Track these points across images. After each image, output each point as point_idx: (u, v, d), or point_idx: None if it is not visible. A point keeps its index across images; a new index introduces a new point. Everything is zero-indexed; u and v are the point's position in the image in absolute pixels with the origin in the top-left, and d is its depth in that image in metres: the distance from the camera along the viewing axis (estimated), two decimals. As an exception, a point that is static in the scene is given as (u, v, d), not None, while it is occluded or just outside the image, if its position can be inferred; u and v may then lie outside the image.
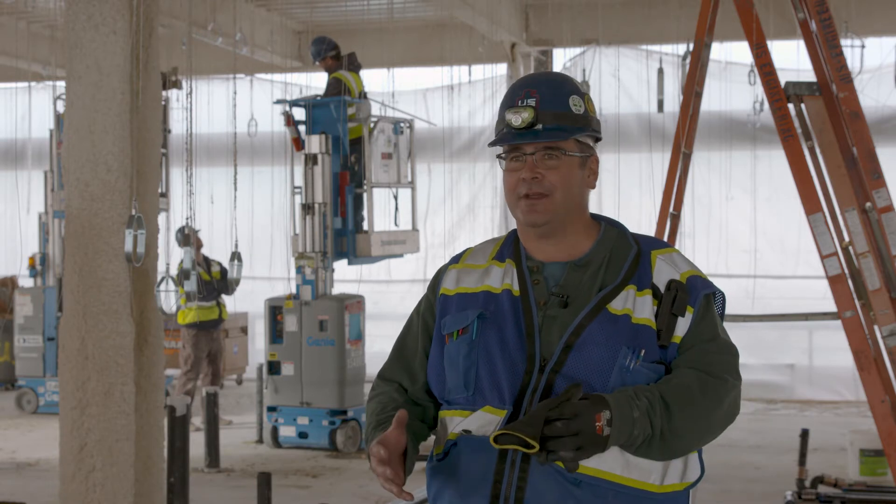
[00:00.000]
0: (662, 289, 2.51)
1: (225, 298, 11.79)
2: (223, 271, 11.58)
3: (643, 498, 2.44)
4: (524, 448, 2.31)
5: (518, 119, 2.54)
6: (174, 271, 8.27)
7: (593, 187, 2.63)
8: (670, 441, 2.42)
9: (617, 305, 2.49)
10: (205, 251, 11.87)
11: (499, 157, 2.62)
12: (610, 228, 2.63)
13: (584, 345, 2.46)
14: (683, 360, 2.50)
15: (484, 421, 2.48)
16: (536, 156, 2.54)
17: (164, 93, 10.11)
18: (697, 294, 2.52)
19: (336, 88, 10.52)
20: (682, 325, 2.50)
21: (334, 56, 10.85)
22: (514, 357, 2.49)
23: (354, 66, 10.84)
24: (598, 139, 2.64)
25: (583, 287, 2.53)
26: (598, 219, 2.65)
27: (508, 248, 2.64)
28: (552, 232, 2.57)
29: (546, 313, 2.51)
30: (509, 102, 2.58)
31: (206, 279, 11.37)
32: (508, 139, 2.55)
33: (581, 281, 2.54)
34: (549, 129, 2.54)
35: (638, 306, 2.49)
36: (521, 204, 2.55)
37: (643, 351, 2.46)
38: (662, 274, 2.53)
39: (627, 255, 2.57)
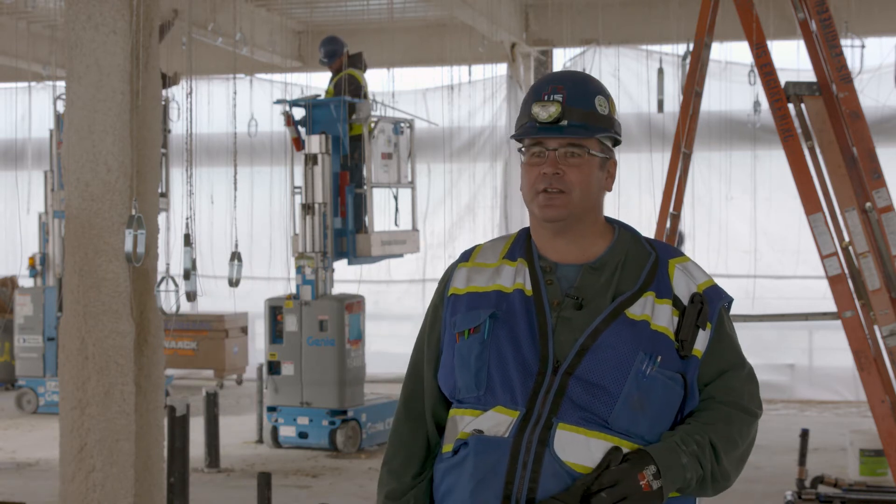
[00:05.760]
0: (684, 301, 2.51)
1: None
2: None
3: None
4: None
5: (545, 113, 2.51)
6: (174, 271, 8.26)
7: (610, 190, 2.62)
8: (720, 481, 2.52)
9: (636, 311, 2.49)
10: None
11: (519, 150, 2.60)
12: (624, 232, 2.62)
13: (601, 348, 2.46)
14: (717, 392, 2.53)
15: (496, 421, 2.47)
16: (559, 152, 2.52)
17: (163, 92, 10.11)
18: (715, 307, 2.54)
19: (353, 84, 10.52)
20: (702, 338, 2.51)
21: (349, 54, 10.86)
22: (526, 357, 2.48)
23: (362, 66, 10.85)
24: (617, 142, 2.63)
25: (598, 290, 2.51)
26: (611, 222, 2.64)
27: (520, 246, 2.62)
28: (567, 229, 2.55)
29: (560, 315, 2.50)
30: (535, 97, 2.55)
31: None
32: (532, 132, 2.53)
33: (596, 284, 2.52)
34: (574, 126, 2.52)
35: (657, 313, 2.49)
36: (538, 198, 2.53)
37: (660, 358, 2.46)
38: (681, 285, 2.54)
39: (644, 260, 2.56)
